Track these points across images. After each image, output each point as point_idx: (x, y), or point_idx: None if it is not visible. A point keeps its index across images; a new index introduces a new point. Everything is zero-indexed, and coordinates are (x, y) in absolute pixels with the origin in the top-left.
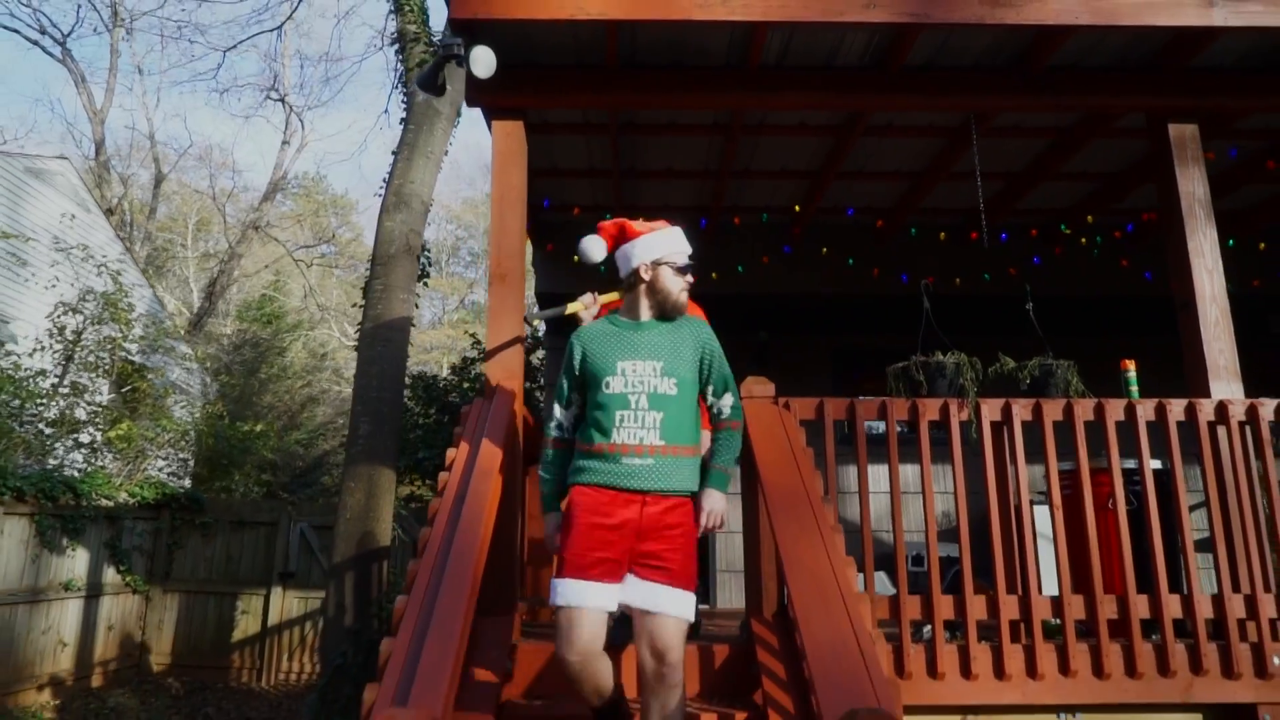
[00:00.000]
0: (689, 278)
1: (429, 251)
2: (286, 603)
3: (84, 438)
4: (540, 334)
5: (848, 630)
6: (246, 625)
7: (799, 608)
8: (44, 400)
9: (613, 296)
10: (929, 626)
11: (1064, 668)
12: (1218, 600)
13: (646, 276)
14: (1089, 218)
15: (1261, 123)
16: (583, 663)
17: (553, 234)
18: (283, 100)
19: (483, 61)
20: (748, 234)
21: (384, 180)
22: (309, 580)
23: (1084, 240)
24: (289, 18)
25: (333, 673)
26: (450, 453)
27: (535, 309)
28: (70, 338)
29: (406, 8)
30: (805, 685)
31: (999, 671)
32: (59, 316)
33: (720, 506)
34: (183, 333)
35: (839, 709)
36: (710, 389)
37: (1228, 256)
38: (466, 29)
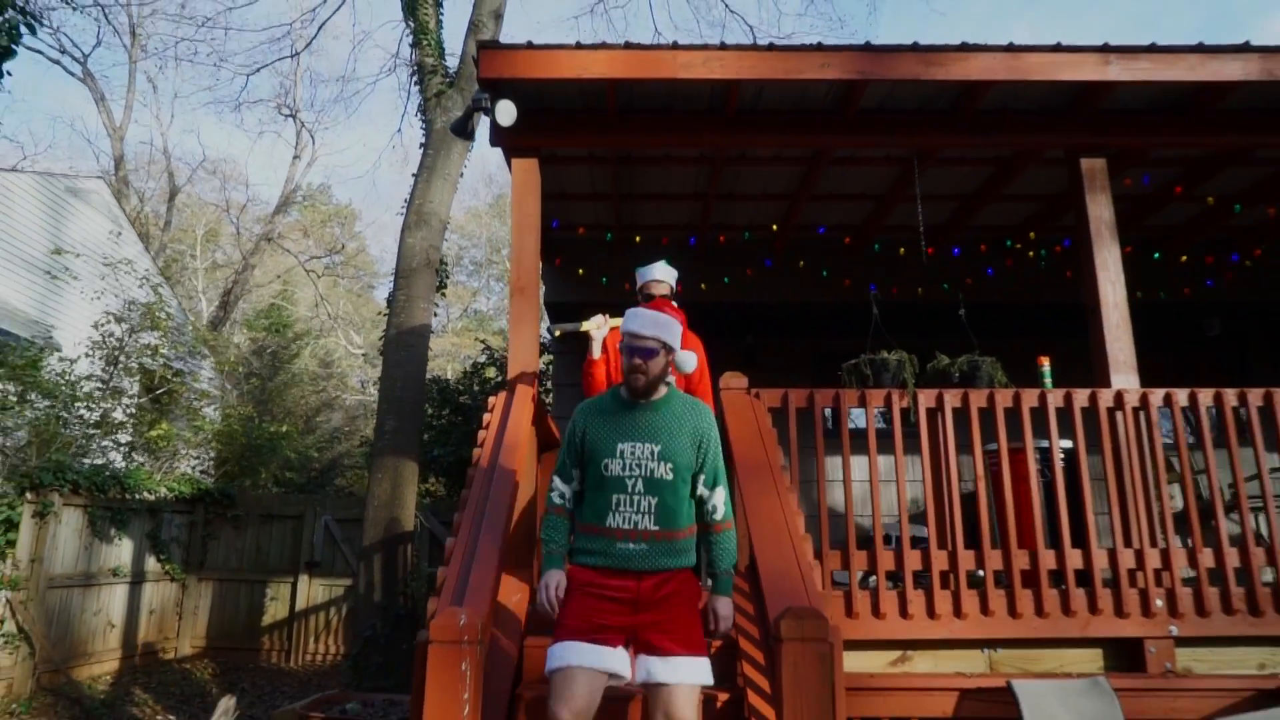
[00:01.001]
0: (635, 359)
1: (446, 265)
2: (312, 590)
3: (122, 438)
4: (548, 340)
5: (792, 560)
6: (275, 610)
7: (758, 547)
8: (90, 403)
9: (620, 322)
10: (873, 576)
11: (984, 609)
12: (1112, 554)
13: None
14: (1031, 234)
15: (1174, 153)
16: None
17: (560, 250)
18: (294, 116)
19: (506, 112)
20: (733, 249)
21: (405, 201)
22: (333, 569)
23: (1031, 254)
24: (307, 45)
25: (364, 643)
26: (481, 434)
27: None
28: (114, 345)
29: (425, 42)
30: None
31: (931, 612)
32: (104, 325)
33: (728, 611)
34: (209, 340)
35: (780, 609)
36: (702, 478)
37: (1161, 268)
38: (492, 85)
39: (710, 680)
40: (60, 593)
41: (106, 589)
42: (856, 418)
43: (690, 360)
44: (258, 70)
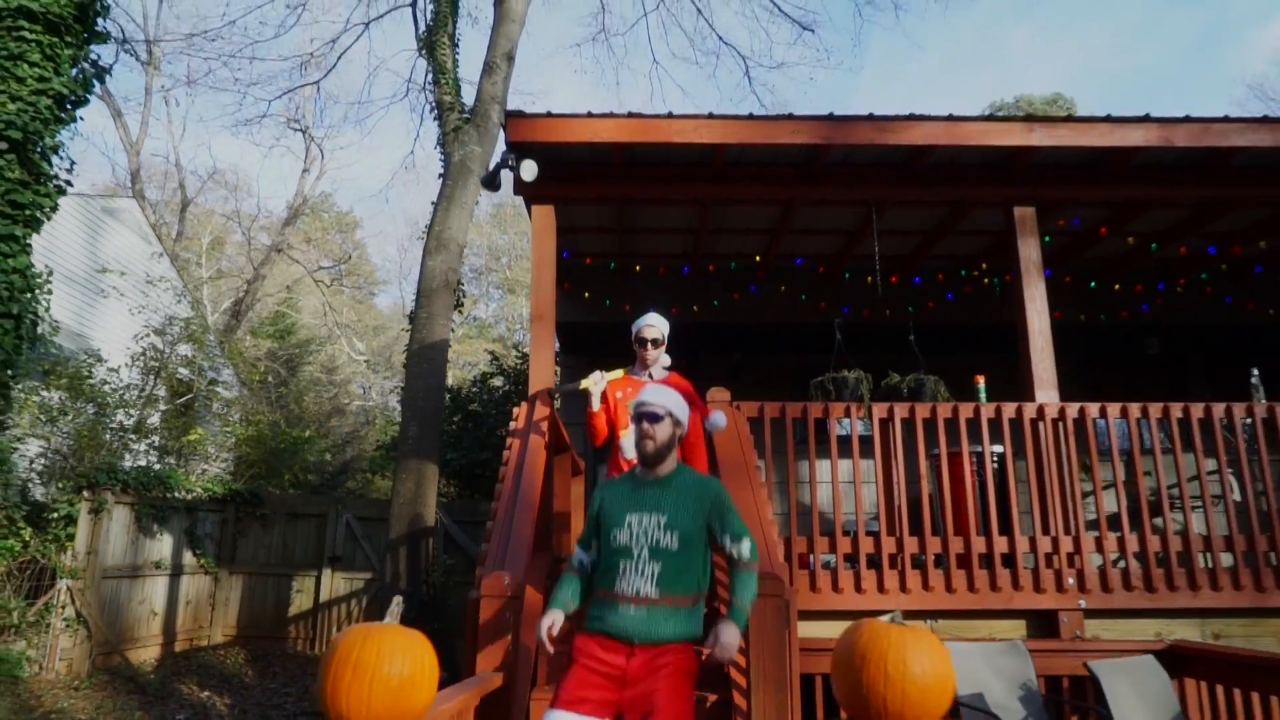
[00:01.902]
0: (644, 424)
1: (463, 286)
2: (335, 583)
3: (155, 440)
4: (558, 353)
5: (761, 539)
6: (301, 602)
7: None
8: (129, 408)
9: (618, 374)
10: (833, 557)
11: (926, 585)
12: (1033, 540)
13: None
14: (984, 264)
15: (1100, 199)
16: None
17: (570, 276)
18: (304, 131)
19: (529, 170)
20: (721, 276)
21: (425, 228)
22: (354, 564)
23: (986, 281)
24: (326, 74)
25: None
26: (509, 439)
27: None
28: (153, 356)
29: (443, 81)
30: None
31: (881, 588)
32: (145, 338)
33: (733, 639)
34: (239, 352)
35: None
36: (727, 539)
37: (1100, 294)
38: (517, 147)
39: None
40: (111, 583)
41: (150, 580)
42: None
43: (722, 419)
44: (280, 97)
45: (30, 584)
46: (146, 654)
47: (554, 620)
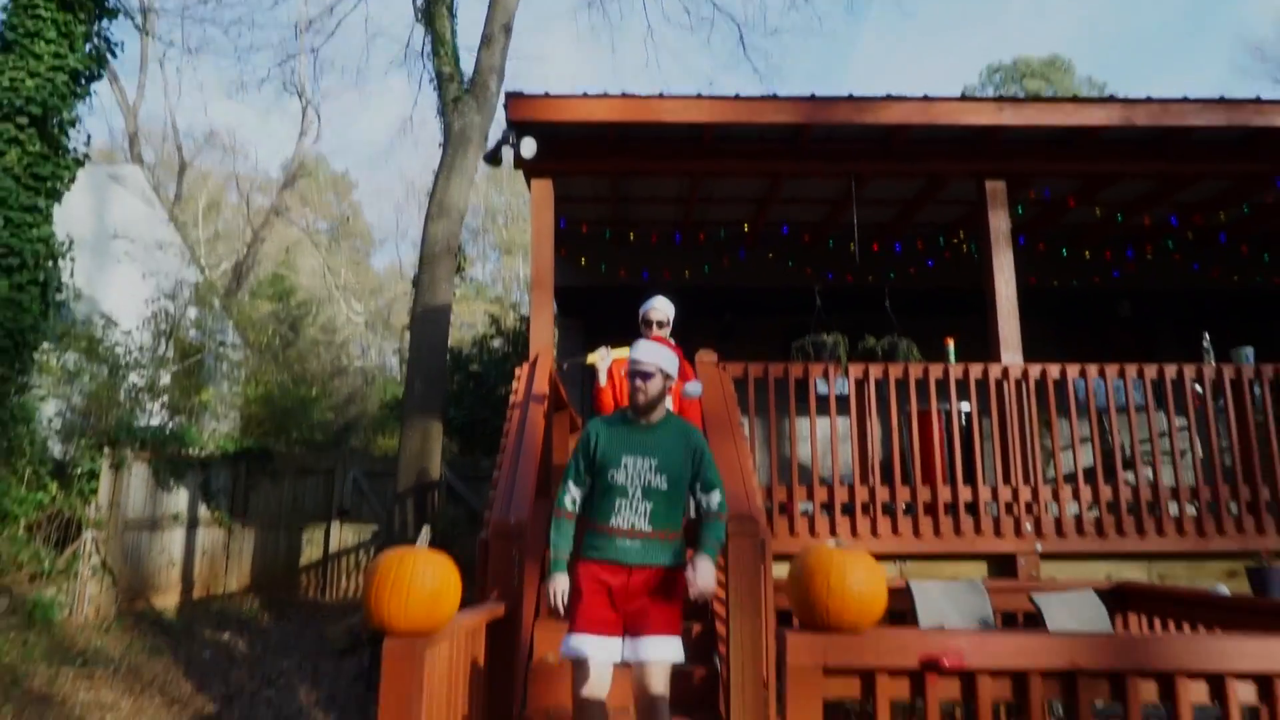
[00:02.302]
0: (636, 381)
1: (464, 251)
2: (344, 534)
3: (166, 400)
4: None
5: (740, 486)
6: (311, 552)
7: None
8: (142, 369)
9: (624, 352)
10: (811, 505)
11: (895, 530)
12: (995, 490)
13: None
14: (961, 232)
15: (1069, 172)
16: (590, 701)
17: (566, 243)
18: (300, 94)
19: (528, 147)
20: (711, 243)
21: (424, 193)
22: (361, 516)
23: (965, 248)
24: (326, 39)
25: None
26: (512, 397)
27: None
28: (165, 320)
29: (441, 52)
30: None
31: (854, 532)
32: (156, 301)
33: (709, 574)
34: (250, 317)
35: (730, 514)
36: (699, 485)
37: (1072, 261)
38: (518, 125)
39: (681, 658)
40: (132, 534)
41: (168, 532)
42: (818, 385)
43: (697, 387)
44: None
45: (58, 534)
46: (167, 600)
47: (563, 588)
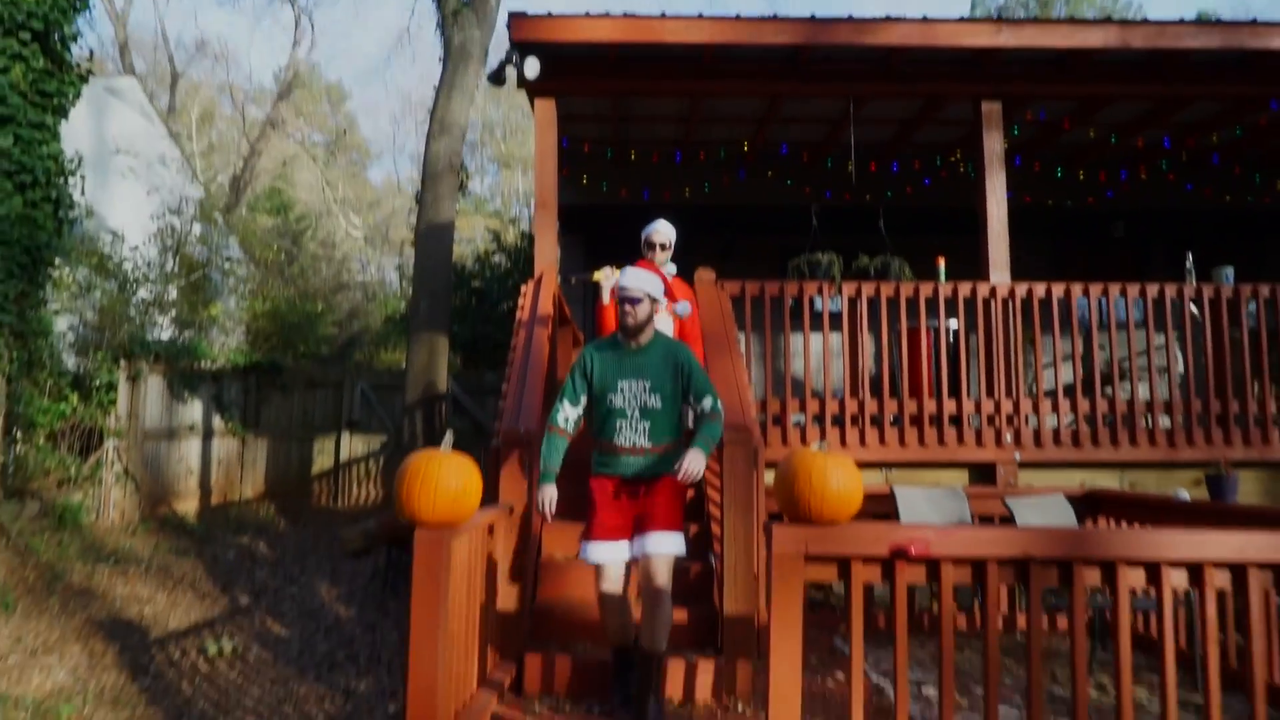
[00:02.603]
0: (625, 305)
1: (466, 169)
2: (353, 445)
3: (174, 314)
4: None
5: (736, 398)
6: (322, 462)
7: (715, 386)
8: (150, 284)
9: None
10: (803, 417)
11: (882, 440)
12: (978, 403)
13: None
14: (958, 152)
15: (1065, 94)
16: (611, 595)
17: (568, 162)
18: (292, 2)
19: (532, 67)
20: (712, 163)
21: (417, 104)
22: (369, 427)
23: (961, 168)
24: None
25: None
26: (518, 314)
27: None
28: (170, 235)
29: None
30: None
31: (843, 442)
32: (163, 218)
33: (698, 462)
34: (253, 233)
35: (726, 425)
36: (692, 396)
37: (1068, 181)
38: (521, 45)
39: (683, 551)
40: (151, 443)
41: (184, 442)
42: (814, 303)
43: (686, 307)
44: None
45: (81, 443)
46: (187, 506)
47: (551, 497)
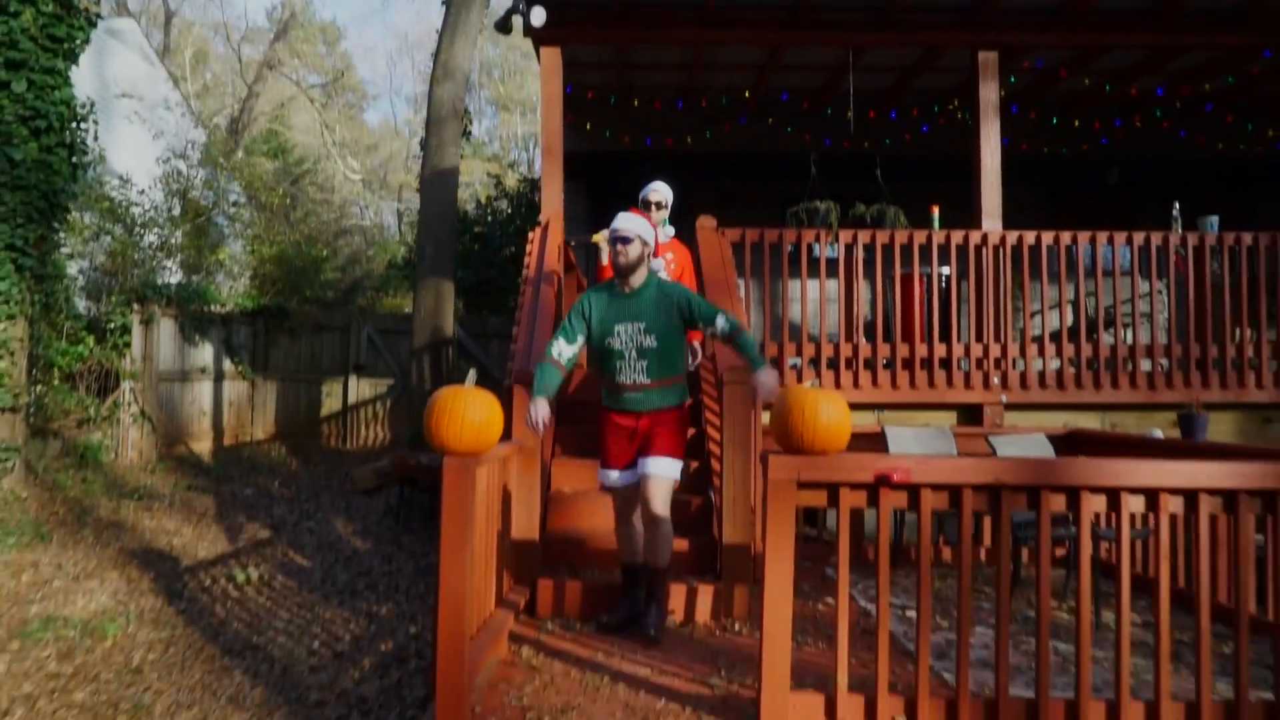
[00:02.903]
0: (617, 245)
1: (470, 114)
2: (360, 388)
3: (180, 259)
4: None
5: None
6: (330, 404)
7: None
8: (159, 227)
9: None
10: (799, 359)
11: (875, 383)
12: (967, 347)
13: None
14: (956, 100)
15: (1062, 42)
16: (625, 515)
17: (572, 109)
18: None
19: (538, 15)
20: (713, 110)
21: (420, 48)
22: (375, 371)
23: (960, 115)
24: None
25: (419, 423)
26: (526, 260)
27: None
28: (177, 179)
29: None
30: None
31: (838, 384)
32: (169, 162)
33: (771, 380)
34: (260, 179)
35: (725, 367)
36: (702, 323)
37: (1063, 129)
38: None
39: (678, 476)
40: (165, 385)
41: (197, 384)
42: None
43: (660, 263)
44: None
45: (98, 385)
46: (201, 446)
47: (544, 412)
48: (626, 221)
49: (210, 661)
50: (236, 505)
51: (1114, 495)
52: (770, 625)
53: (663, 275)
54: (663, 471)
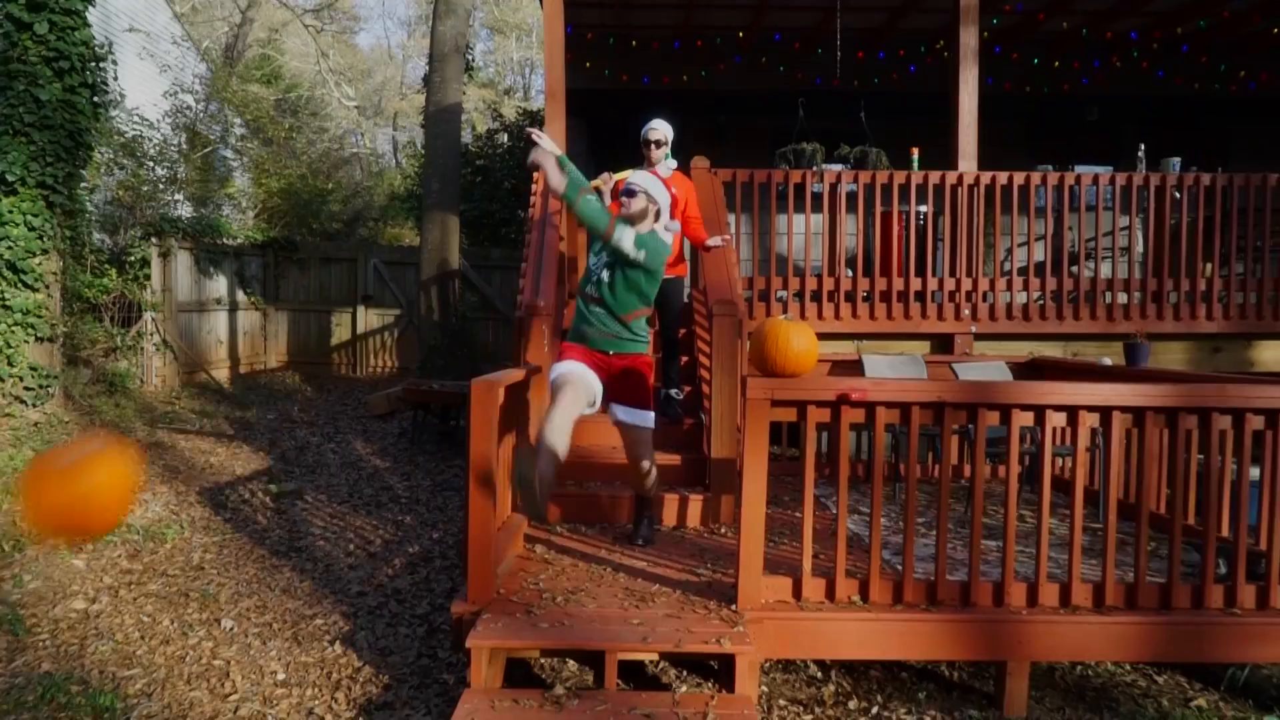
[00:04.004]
0: (622, 196)
1: (473, 50)
2: (368, 318)
3: (189, 192)
4: None
5: (724, 276)
6: (340, 334)
7: (706, 270)
8: (169, 162)
9: (626, 174)
10: (785, 292)
11: (854, 314)
12: (941, 281)
13: None
14: (942, 40)
15: None
16: (559, 410)
17: (572, 48)
18: None
19: None
20: (708, 49)
21: None
22: (383, 302)
23: (946, 55)
24: None
25: (429, 350)
26: (531, 199)
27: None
28: (185, 113)
29: None
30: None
31: (820, 315)
32: (176, 95)
33: (546, 147)
34: (269, 116)
35: (715, 299)
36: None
37: (1044, 69)
38: None
39: (652, 425)
40: (184, 316)
41: (213, 314)
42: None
43: (669, 233)
44: None
45: (122, 315)
46: (219, 374)
47: (550, 144)
48: (642, 178)
49: (261, 560)
50: (261, 428)
51: (1039, 412)
52: (747, 516)
53: (665, 239)
54: (644, 421)
